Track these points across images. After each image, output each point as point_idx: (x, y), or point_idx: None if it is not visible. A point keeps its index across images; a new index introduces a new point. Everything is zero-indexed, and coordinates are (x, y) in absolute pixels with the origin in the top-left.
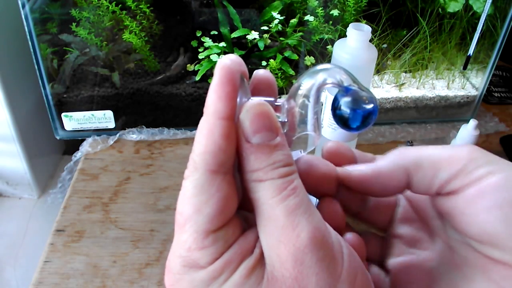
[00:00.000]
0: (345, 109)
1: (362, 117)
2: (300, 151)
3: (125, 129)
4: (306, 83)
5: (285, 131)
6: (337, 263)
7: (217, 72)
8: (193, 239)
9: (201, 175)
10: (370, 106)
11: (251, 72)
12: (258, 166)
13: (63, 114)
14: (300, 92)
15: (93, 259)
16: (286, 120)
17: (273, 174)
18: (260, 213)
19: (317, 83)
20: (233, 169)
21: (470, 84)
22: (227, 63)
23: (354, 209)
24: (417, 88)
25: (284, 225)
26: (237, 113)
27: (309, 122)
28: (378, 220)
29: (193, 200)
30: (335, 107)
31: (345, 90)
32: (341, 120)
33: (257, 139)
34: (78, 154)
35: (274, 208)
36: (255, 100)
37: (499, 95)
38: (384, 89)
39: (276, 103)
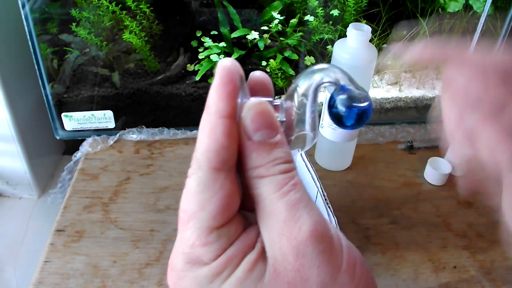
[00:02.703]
0: (340, 107)
1: (356, 115)
2: (298, 150)
3: (125, 129)
4: (303, 83)
5: (283, 130)
6: (337, 255)
7: (218, 73)
8: (197, 235)
9: (204, 173)
10: (364, 104)
11: (248, 73)
12: (259, 162)
13: (63, 114)
14: (297, 92)
15: (93, 259)
16: (284, 120)
17: (274, 170)
18: (262, 208)
19: (314, 83)
20: (235, 167)
21: None
22: (227, 64)
23: None
24: (417, 88)
25: (286, 218)
26: (238, 112)
27: (306, 121)
28: None
29: (197, 198)
30: (330, 105)
31: (340, 89)
32: (336, 118)
33: (258, 136)
34: (78, 154)
35: (275, 203)
36: (256, 99)
37: None
38: (384, 89)
39: (274, 103)
